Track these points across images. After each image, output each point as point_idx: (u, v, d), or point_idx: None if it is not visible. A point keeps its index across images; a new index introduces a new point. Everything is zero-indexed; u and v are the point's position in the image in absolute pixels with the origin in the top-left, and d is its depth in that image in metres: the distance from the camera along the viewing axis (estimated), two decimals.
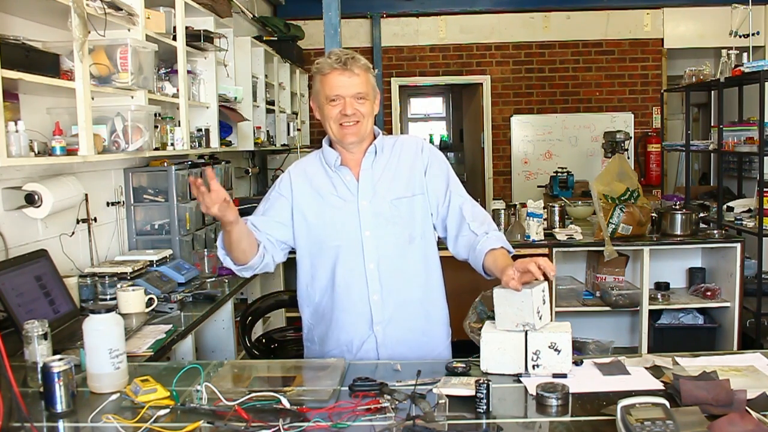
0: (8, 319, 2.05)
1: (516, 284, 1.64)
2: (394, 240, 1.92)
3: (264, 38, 5.73)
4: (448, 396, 1.43)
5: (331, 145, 1.97)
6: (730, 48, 5.09)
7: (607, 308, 4.19)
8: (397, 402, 1.42)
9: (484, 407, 1.40)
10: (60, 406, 1.47)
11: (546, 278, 1.66)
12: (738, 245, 4.03)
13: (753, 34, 5.29)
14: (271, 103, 5.40)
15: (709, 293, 4.18)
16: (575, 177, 6.74)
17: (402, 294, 1.93)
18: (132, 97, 2.73)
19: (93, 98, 2.41)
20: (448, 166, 2.02)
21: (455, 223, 1.96)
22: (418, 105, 10.52)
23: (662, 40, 7.41)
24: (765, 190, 4.38)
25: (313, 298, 2.00)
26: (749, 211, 4.97)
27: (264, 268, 1.95)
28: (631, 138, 7.07)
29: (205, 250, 3.34)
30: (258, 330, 3.23)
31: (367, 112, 1.89)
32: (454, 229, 1.96)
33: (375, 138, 1.96)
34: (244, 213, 4.99)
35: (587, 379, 1.60)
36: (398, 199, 1.92)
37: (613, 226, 4.02)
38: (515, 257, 1.80)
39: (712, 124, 6.56)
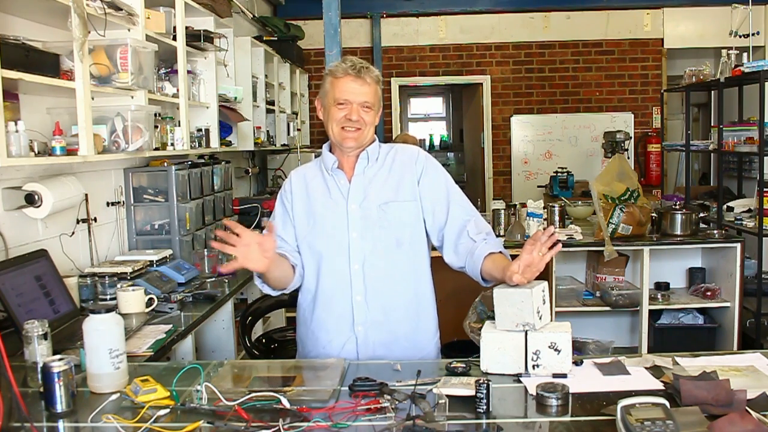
0: (8, 319, 2.05)
1: (519, 278, 1.64)
2: (380, 243, 1.93)
3: (264, 38, 5.73)
4: (448, 396, 1.43)
5: (330, 150, 2.01)
6: (730, 48, 5.09)
7: (607, 308, 4.18)
8: (397, 402, 1.42)
9: (484, 407, 1.40)
10: (60, 406, 1.47)
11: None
12: (738, 245, 4.02)
13: (753, 34, 5.29)
14: (271, 103, 5.40)
15: (709, 293, 4.17)
16: (575, 177, 6.74)
17: (388, 298, 1.94)
18: (132, 97, 2.73)
19: (93, 98, 2.42)
20: (447, 176, 2.03)
21: (455, 234, 1.95)
22: (418, 105, 10.52)
23: (662, 40, 7.41)
24: (765, 190, 4.37)
25: (301, 300, 2.04)
26: (749, 211, 4.97)
27: (299, 283, 2.01)
28: (631, 138, 7.08)
29: (205, 250, 3.34)
30: (258, 330, 3.23)
31: (370, 122, 1.93)
32: (453, 239, 1.96)
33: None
34: (245, 213, 4.98)
35: (587, 379, 1.60)
36: (386, 203, 1.94)
37: (613, 226, 4.02)
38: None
39: (712, 124, 6.56)
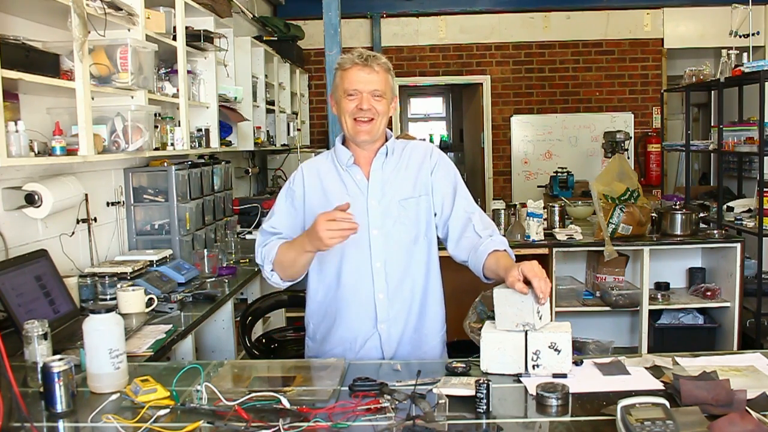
0: (8, 319, 2.05)
1: (522, 286, 1.63)
2: (400, 239, 1.94)
3: (264, 38, 5.73)
4: (448, 396, 1.43)
5: (344, 143, 1.99)
6: (730, 48, 5.09)
7: (607, 308, 4.18)
8: (397, 402, 1.42)
9: (484, 407, 1.40)
10: (60, 406, 1.47)
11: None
12: (738, 245, 4.03)
13: (753, 34, 5.30)
14: (271, 103, 5.40)
15: (709, 293, 4.18)
16: (575, 177, 6.74)
17: (405, 292, 1.95)
18: (132, 97, 2.73)
19: (93, 98, 2.42)
20: (456, 173, 2.04)
21: (459, 225, 1.96)
22: (418, 105, 10.52)
23: (662, 40, 7.41)
24: (765, 190, 4.38)
25: (317, 294, 2.01)
26: (749, 211, 4.97)
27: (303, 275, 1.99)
28: (631, 138, 7.08)
29: (205, 250, 3.34)
30: (258, 330, 3.23)
31: (383, 111, 1.91)
32: (458, 231, 1.96)
33: (387, 140, 1.99)
34: (245, 213, 4.97)
35: (587, 379, 1.60)
36: (406, 199, 1.95)
37: (613, 226, 4.02)
38: (517, 259, 1.80)
39: (712, 124, 6.56)
